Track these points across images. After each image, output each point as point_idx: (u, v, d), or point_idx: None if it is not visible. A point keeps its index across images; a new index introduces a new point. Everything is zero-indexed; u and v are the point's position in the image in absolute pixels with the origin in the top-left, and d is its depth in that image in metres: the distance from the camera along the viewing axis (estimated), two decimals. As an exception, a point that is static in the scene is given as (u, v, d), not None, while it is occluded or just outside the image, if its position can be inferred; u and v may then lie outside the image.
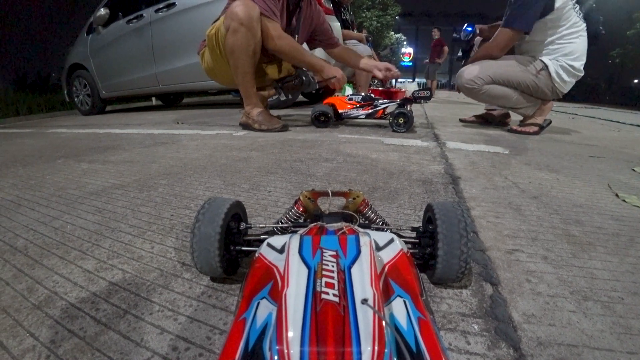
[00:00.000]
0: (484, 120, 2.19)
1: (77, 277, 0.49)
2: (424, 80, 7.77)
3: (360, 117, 1.92)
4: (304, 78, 1.85)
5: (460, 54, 2.13)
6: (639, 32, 17.08)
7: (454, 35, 2.07)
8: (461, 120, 2.29)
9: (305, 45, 1.97)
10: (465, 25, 2.04)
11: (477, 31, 2.03)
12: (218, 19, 1.72)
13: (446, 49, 7.46)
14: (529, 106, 1.81)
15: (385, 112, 1.90)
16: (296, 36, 1.80)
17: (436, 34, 7.62)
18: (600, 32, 1.73)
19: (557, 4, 1.59)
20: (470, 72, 1.76)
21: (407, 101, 1.79)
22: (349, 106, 1.96)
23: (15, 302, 0.44)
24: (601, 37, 1.75)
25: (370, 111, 1.89)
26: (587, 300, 0.43)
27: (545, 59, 1.70)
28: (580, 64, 1.71)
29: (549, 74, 1.69)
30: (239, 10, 1.48)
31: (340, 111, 1.95)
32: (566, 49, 1.69)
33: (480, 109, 2.29)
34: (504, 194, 0.82)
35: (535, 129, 1.80)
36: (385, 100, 1.90)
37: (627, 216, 0.70)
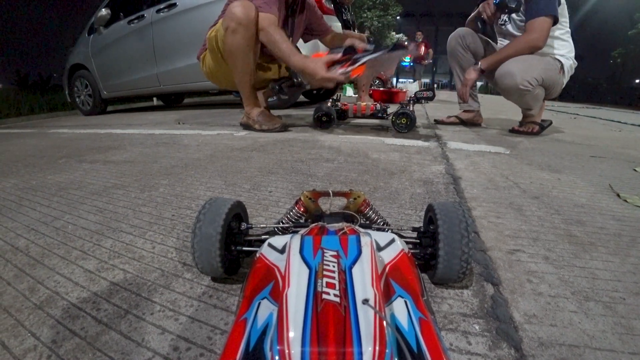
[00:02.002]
0: (460, 121, 2.14)
1: (79, 277, 0.49)
2: (427, 81, 8.10)
3: (340, 72, 1.41)
4: (294, 80, 1.74)
5: (480, 25, 1.86)
6: (640, 32, 17.09)
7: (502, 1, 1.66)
8: (436, 122, 2.21)
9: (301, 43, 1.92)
10: None
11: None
12: (217, 21, 1.72)
13: (431, 51, 7.95)
14: (539, 105, 1.76)
15: (388, 114, 1.90)
16: (290, 38, 1.77)
17: (419, 36, 8.11)
18: None
19: None
20: (524, 72, 1.55)
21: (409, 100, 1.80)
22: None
23: (17, 302, 0.44)
24: None
25: (348, 68, 1.42)
26: (588, 300, 0.43)
27: (558, 56, 1.66)
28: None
29: (564, 72, 1.67)
30: (237, 11, 1.49)
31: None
32: (570, 46, 1.67)
33: (455, 110, 2.24)
34: (505, 194, 0.82)
35: (537, 128, 1.78)
36: (367, 54, 1.42)
37: (629, 216, 0.70)
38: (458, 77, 2.01)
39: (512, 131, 1.83)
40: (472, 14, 1.91)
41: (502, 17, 1.77)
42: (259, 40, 1.58)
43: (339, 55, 1.44)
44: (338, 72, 1.36)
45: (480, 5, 1.77)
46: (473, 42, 1.92)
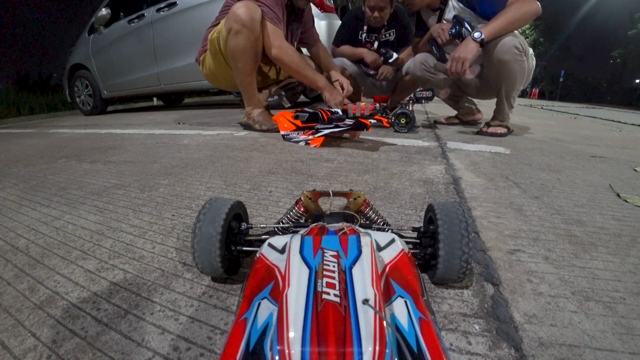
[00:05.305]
0: (460, 121, 2.15)
1: (79, 277, 0.49)
2: None
3: (300, 142, 1.45)
4: (305, 86, 1.82)
5: (435, 49, 1.81)
6: (640, 32, 17.13)
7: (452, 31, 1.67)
8: (436, 122, 2.21)
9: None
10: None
11: None
12: (217, 22, 1.72)
13: None
14: (525, 79, 1.71)
15: (388, 113, 1.90)
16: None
17: None
18: None
19: None
20: (514, 37, 1.55)
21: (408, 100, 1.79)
22: (287, 126, 1.58)
23: (17, 302, 0.44)
24: None
25: (309, 137, 1.44)
26: (588, 300, 0.43)
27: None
28: None
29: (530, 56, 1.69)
30: (241, 12, 1.48)
31: (281, 132, 1.57)
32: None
33: (450, 111, 2.28)
34: (505, 194, 0.82)
35: (504, 130, 1.71)
36: (329, 126, 1.42)
37: (629, 216, 0.70)
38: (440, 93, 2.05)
39: (481, 133, 1.72)
40: (424, 39, 1.91)
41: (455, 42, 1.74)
42: (262, 43, 1.59)
43: (305, 116, 1.55)
44: (299, 138, 1.47)
45: (434, 31, 1.74)
46: (435, 62, 1.91)
